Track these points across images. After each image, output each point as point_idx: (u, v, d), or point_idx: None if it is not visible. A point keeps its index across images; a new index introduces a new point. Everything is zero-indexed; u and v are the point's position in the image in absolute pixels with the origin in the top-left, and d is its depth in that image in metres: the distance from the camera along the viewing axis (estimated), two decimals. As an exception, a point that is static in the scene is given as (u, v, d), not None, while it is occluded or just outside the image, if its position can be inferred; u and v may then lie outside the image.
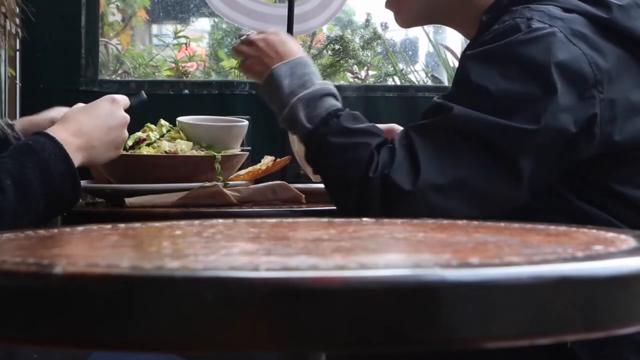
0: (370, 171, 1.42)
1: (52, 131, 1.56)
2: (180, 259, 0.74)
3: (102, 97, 1.70)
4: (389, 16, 1.75)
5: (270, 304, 0.58)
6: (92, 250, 0.86)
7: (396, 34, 4.51)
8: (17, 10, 1.86)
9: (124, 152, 1.79)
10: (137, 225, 1.02)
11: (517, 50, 1.43)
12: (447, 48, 4.05)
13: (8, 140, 1.65)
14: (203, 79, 4.32)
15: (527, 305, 0.61)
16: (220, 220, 1.04)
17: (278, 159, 2.04)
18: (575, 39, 1.44)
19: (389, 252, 0.82)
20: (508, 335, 0.62)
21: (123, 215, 1.79)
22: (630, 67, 1.49)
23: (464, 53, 1.58)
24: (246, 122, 2.04)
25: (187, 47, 4.28)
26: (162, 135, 1.95)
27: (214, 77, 4.34)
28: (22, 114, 2.68)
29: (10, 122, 1.71)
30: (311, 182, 2.05)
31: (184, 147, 1.91)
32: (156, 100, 2.72)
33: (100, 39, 3.34)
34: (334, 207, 1.64)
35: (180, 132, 1.97)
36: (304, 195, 1.89)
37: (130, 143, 1.88)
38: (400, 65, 4.27)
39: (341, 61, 4.02)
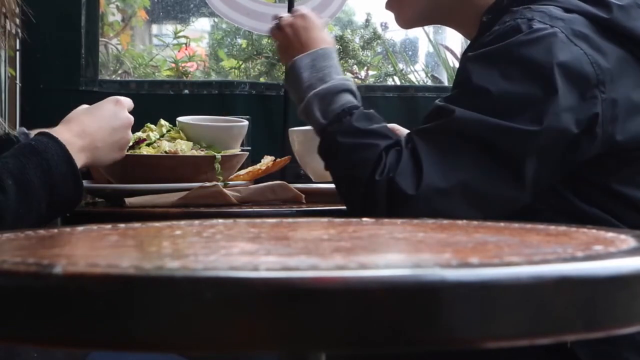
0: (377, 173, 1.41)
1: (55, 132, 1.55)
2: (180, 259, 0.74)
3: (106, 99, 1.69)
4: (388, 16, 1.75)
5: (270, 304, 0.58)
6: (92, 250, 0.86)
7: (396, 34, 4.52)
8: (17, 10, 1.86)
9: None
10: (137, 225, 1.02)
11: (518, 51, 1.43)
12: (447, 48, 4.05)
13: (11, 140, 1.64)
14: (203, 79, 4.32)
15: (527, 305, 0.61)
16: (220, 220, 1.04)
17: (278, 159, 2.04)
18: (576, 39, 1.44)
19: (389, 252, 0.82)
20: (508, 335, 0.62)
21: (123, 215, 1.79)
22: (631, 67, 1.49)
23: (464, 54, 1.58)
24: (246, 122, 2.04)
25: (187, 47, 4.29)
26: (162, 135, 1.95)
27: (214, 77, 4.33)
28: (22, 114, 2.68)
29: (26, 131, 1.70)
30: (311, 182, 2.05)
31: (184, 147, 1.91)
32: (156, 100, 2.72)
33: (100, 39, 3.34)
34: (334, 207, 1.64)
35: (180, 132, 1.97)
36: (304, 195, 1.89)
37: (130, 143, 1.88)
38: (400, 65, 4.27)
39: (341, 61, 4.02)
